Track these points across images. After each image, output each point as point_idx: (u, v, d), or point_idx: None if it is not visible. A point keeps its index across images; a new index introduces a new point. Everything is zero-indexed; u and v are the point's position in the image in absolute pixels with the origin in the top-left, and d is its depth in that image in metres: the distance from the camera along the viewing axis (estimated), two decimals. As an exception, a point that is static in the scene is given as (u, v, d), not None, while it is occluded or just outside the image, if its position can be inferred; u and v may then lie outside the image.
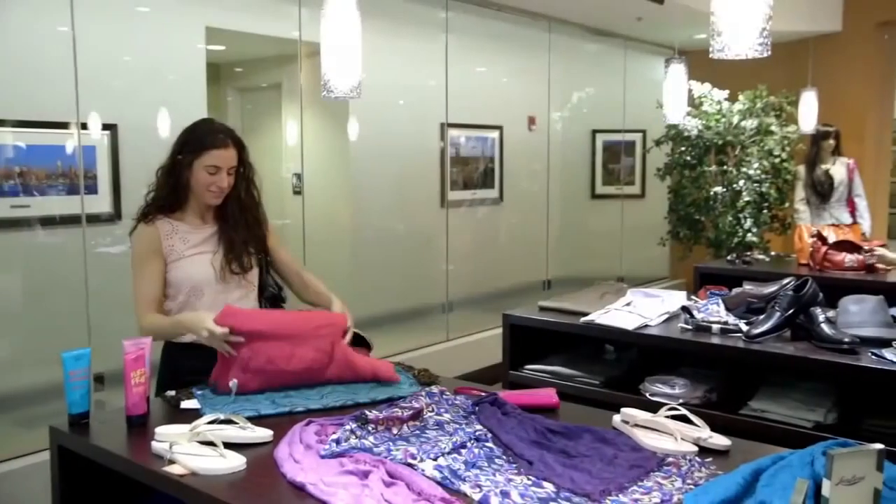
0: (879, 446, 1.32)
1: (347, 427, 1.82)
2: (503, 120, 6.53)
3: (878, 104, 6.89)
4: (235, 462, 1.69)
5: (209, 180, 2.33)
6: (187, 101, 4.37)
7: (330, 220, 5.51)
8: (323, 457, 1.71)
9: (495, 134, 6.45)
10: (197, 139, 2.34)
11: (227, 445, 1.74)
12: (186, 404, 2.10)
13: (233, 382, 2.13)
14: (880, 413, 2.54)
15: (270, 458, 1.73)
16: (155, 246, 2.34)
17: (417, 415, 1.93)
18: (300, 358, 2.19)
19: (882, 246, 4.44)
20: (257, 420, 1.94)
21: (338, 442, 1.76)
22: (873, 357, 2.52)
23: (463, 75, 5.93)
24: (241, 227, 2.44)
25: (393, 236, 5.81)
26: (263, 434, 1.84)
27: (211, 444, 1.73)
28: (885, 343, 2.61)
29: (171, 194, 2.37)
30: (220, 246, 2.40)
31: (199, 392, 2.17)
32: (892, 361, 2.46)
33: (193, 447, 1.74)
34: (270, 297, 2.63)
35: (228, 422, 1.84)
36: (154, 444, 1.78)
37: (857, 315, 2.78)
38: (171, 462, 1.70)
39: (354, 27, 2.34)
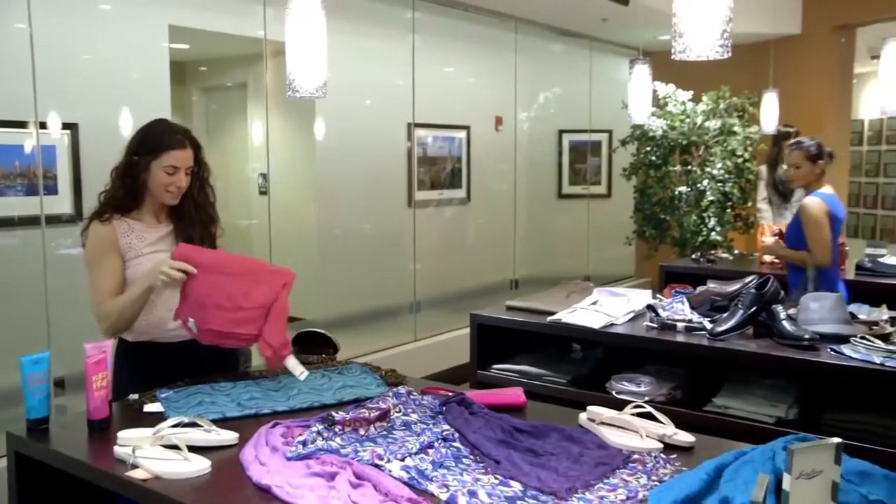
0: (837, 440, 1.34)
1: (314, 428, 1.81)
2: (470, 120, 6.54)
3: (837, 105, 7.02)
4: (200, 465, 1.67)
5: (168, 181, 2.31)
6: (150, 101, 4.32)
7: (296, 220, 5.48)
8: (289, 459, 1.69)
9: (462, 134, 6.46)
10: (154, 140, 2.32)
11: (192, 449, 1.72)
12: (150, 407, 2.07)
13: (191, 321, 2.15)
14: (839, 408, 2.59)
15: (236, 461, 1.71)
16: (112, 243, 2.31)
17: (384, 415, 1.92)
18: (255, 296, 2.20)
19: (841, 244, 4.53)
20: (222, 422, 1.92)
21: (304, 444, 1.75)
22: (832, 353, 2.57)
23: (430, 75, 5.93)
24: (197, 225, 2.43)
25: (360, 236, 5.79)
26: (228, 437, 1.82)
27: (175, 447, 1.71)
28: (844, 339, 2.67)
29: (127, 195, 2.35)
30: (176, 244, 2.38)
31: (162, 395, 2.15)
32: (850, 357, 2.51)
33: (157, 451, 1.71)
34: None
35: (193, 425, 1.82)
36: (116, 448, 1.75)
37: (817, 312, 2.83)
38: (134, 466, 1.67)
39: (319, 27, 2.33)
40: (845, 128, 7.39)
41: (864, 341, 2.63)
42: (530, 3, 5.99)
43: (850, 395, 2.63)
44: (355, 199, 5.72)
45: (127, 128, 4.09)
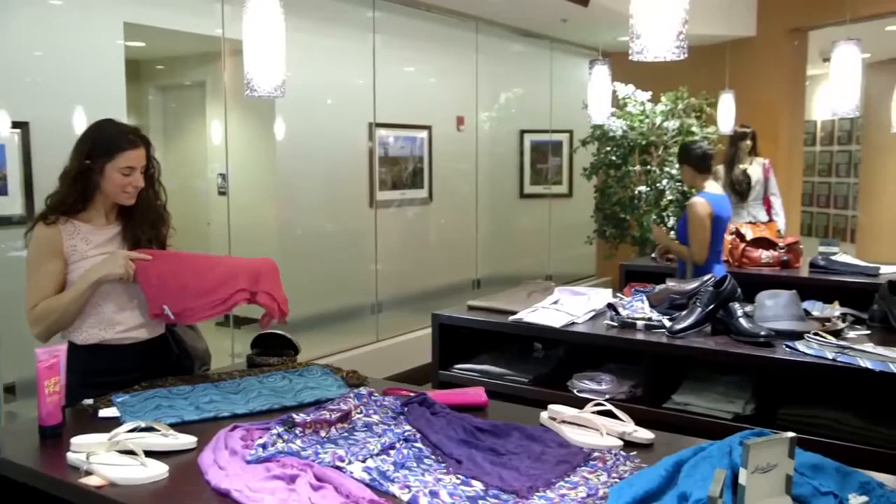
0: (791, 434, 1.37)
1: (274, 431, 1.80)
2: (432, 120, 6.54)
3: (791, 106, 7.16)
4: (157, 471, 1.64)
5: (124, 182, 2.27)
6: (105, 99, 4.24)
7: (256, 220, 5.42)
8: (249, 462, 1.68)
9: (424, 134, 6.46)
10: (107, 142, 2.27)
11: (149, 454, 1.69)
12: (105, 412, 2.03)
13: (165, 308, 2.17)
14: (794, 402, 2.65)
15: (194, 466, 1.69)
16: (55, 247, 2.26)
17: (345, 417, 1.91)
18: (223, 268, 2.30)
19: (795, 242, 4.63)
20: (180, 426, 1.89)
21: (264, 447, 1.73)
22: (787, 350, 2.62)
23: (391, 75, 5.92)
24: (147, 225, 2.39)
25: (321, 237, 5.75)
26: (187, 441, 1.80)
27: (131, 453, 1.68)
28: (798, 336, 2.72)
29: (77, 199, 2.30)
30: (124, 245, 2.34)
31: (118, 399, 2.10)
32: (804, 353, 2.56)
33: (112, 457, 1.68)
34: None
35: (150, 429, 1.79)
36: (70, 455, 1.71)
37: (772, 309, 2.88)
38: (88, 473, 1.64)
39: (277, 25, 2.31)
40: (799, 128, 7.54)
41: (818, 337, 2.69)
42: (491, 4, 6.01)
43: (805, 389, 2.68)
44: (316, 199, 5.68)
45: (80, 127, 3.97)
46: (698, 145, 4.13)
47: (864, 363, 2.43)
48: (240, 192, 5.09)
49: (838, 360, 2.48)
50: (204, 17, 4.73)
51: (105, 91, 4.27)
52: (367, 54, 5.65)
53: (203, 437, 1.81)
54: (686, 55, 1.86)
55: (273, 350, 2.57)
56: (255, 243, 5.32)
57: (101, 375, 2.25)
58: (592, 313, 3.11)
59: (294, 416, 1.85)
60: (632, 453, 1.76)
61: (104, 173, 2.26)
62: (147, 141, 2.36)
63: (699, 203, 3.85)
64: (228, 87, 4.77)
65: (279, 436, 1.78)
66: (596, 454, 1.75)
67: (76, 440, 1.75)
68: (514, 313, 3.11)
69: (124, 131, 2.32)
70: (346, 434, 1.85)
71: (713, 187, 4.00)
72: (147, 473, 1.63)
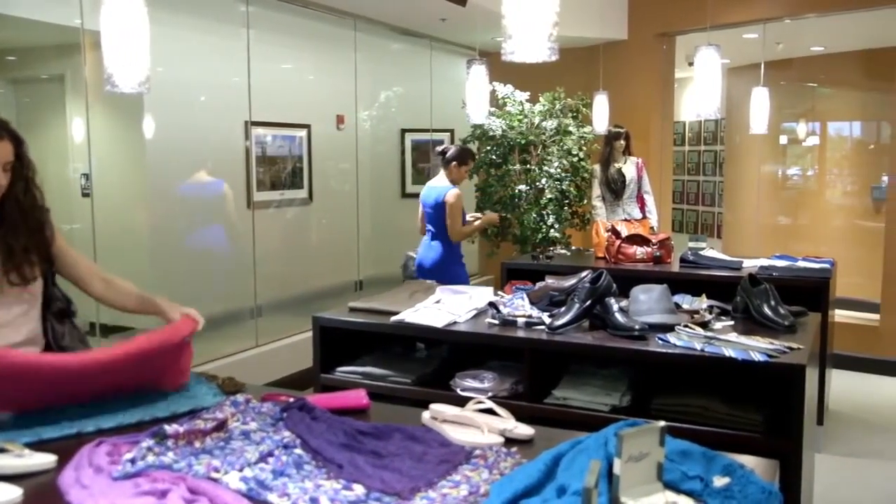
0: (662, 424, 1.42)
1: (144, 444, 1.70)
2: (311, 118, 6.43)
3: (661, 108, 7.48)
4: (9, 496, 1.51)
5: None
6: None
7: (124, 223, 5.16)
8: (115, 479, 1.58)
9: (303, 133, 6.34)
10: None
11: (1, 478, 1.56)
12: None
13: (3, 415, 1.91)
14: (667, 391, 2.75)
15: (53, 487, 1.57)
16: None
17: (221, 426, 1.83)
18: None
19: (667, 238, 4.83)
20: (37, 445, 1.75)
21: (133, 461, 1.63)
22: (660, 342, 2.72)
23: (267, 72, 5.78)
24: (22, 232, 2.18)
25: (195, 239, 5.54)
26: (44, 460, 1.67)
27: (-21, 477, 1.54)
28: (669, 328, 2.83)
29: None
30: None
31: (-34, 419, 1.94)
32: (674, 345, 2.67)
33: (-42, 482, 1.54)
34: (58, 312, 2.38)
35: (1, 451, 1.65)
36: None
37: (646, 303, 2.99)
38: (-70, 502, 1.50)
39: (140, 17, 2.19)
40: (668, 129, 7.88)
41: (687, 329, 2.81)
42: (369, 2, 5.97)
43: (677, 379, 2.80)
44: (190, 200, 5.47)
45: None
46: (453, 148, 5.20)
47: (729, 352, 2.55)
48: (105, 194, 4.82)
49: (706, 350, 2.60)
50: (61, 6, 4.45)
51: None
52: (241, 50, 5.49)
53: (64, 456, 1.69)
54: (557, 57, 1.89)
55: (143, 359, 2.43)
56: (123, 248, 5.06)
57: None
58: (474, 312, 3.13)
59: (166, 427, 1.76)
60: (512, 449, 1.78)
61: None
62: (15, 135, 2.12)
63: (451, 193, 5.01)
64: (90, 81, 4.50)
65: (149, 449, 1.68)
66: (477, 452, 1.75)
67: (-84, 466, 1.60)
68: (395, 314, 3.09)
69: None
70: (221, 444, 1.77)
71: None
72: (-2, 498, 1.50)
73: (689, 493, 1.43)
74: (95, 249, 4.45)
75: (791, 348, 2.60)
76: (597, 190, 6.32)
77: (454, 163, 5.12)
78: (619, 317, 2.84)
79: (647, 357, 2.71)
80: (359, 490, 1.55)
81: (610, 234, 4.82)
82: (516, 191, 6.54)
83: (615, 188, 6.22)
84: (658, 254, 4.69)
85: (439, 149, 5.38)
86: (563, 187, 6.51)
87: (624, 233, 4.79)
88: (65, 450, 1.73)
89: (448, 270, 5.12)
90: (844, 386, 5.61)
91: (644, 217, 6.11)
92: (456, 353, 3.19)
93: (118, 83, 2.20)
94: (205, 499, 1.48)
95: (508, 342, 2.91)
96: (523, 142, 6.53)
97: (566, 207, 6.63)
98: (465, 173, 5.29)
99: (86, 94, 4.55)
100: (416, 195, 8.23)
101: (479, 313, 3.15)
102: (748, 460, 1.64)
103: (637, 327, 2.78)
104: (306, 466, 1.67)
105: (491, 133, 6.54)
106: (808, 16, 6.51)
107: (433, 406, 1.98)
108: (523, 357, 2.87)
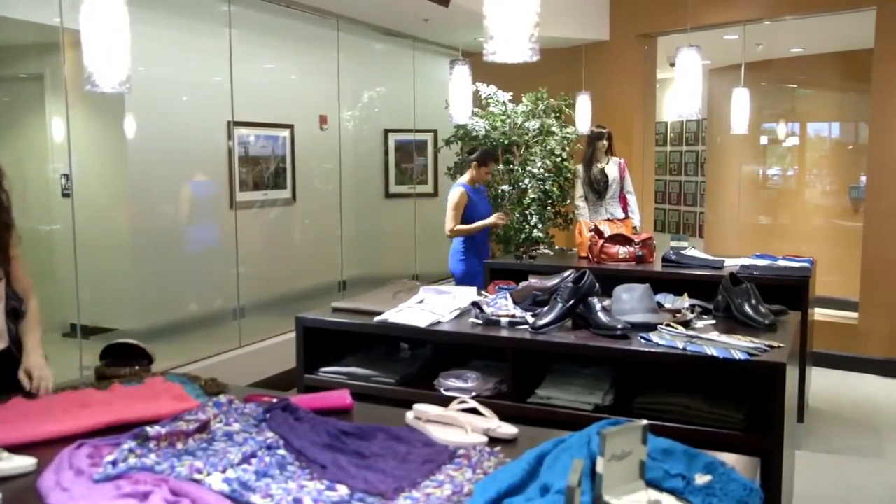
0: (644, 422, 1.43)
1: (125, 446, 1.69)
2: (294, 118, 6.41)
3: (642, 108, 7.52)
4: (-11, 498, 1.50)
5: None
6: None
7: (105, 224, 5.12)
8: (96, 481, 1.57)
9: (286, 133, 6.32)
10: None
11: (-21, 480, 1.55)
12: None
13: None
14: (650, 390, 2.77)
15: (33, 491, 1.56)
16: None
17: (204, 427, 1.82)
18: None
19: (649, 238, 4.86)
20: (17, 448, 1.74)
21: (114, 463, 1.62)
22: (642, 341, 2.74)
23: (250, 72, 5.75)
24: None
25: (178, 240, 5.51)
26: (24, 463, 1.66)
27: (-42, 479, 1.53)
28: (652, 327, 2.85)
29: None
30: None
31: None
32: (657, 344, 2.69)
33: (-64, 485, 1.52)
34: (12, 311, 2.37)
35: (-19, 453, 1.64)
36: None
37: (628, 303, 3.00)
38: None
39: (120, 15, 2.17)
40: (650, 129, 7.92)
41: (669, 328, 2.82)
42: (352, 2, 5.95)
43: (659, 377, 2.81)
44: (172, 200, 5.43)
45: None
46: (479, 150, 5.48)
47: (711, 351, 2.57)
48: (86, 194, 4.79)
49: (688, 349, 2.62)
50: (41, 4, 4.40)
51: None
52: (223, 50, 5.46)
53: (44, 458, 1.68)
54: (538, 57, 1.89)
55: (125, 360, 2.42)
56: (105, 248, 5.03)
57: None
58: (458, 312, 3.13)
59: (148, 428, 1.75)
60: (496, 449, 1.78)
61: None
62: None
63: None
64: (70, 80, 4.46)
65: (131, 451, 1.68)
66: (461, 451, 1.76)
67: None
68: (379, 314, 3.09)
69: None
70: (204, 445, 1.77)
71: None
72: (-23, 501, 1.49)
73: (671, 491, 1.45)
74: (76, 250, 4.41)
75: (771, 346, 2.63)
76: (580, 190, 6.34)
77: (474, 163, 5.43)
78: (601, 316, 2.85)
79: (630, 356, 2.72)
80: (342, 490, 1.54)
81: (593, 233, 4.83)
82: (499, 191, 6.55)
83: (598, 188, 6.24)
84: (640, 253, 4.71)
85: (468, 149, 5.76)
86: (546, 187, 6.53)
87: (607, 232, 4.81)
88: (44, 452, 1.72)
89: (454, 265, 5.54)
90: (824, 383, 5.67)
91: (627, 217, 6.14)
92: (439, 353, 3.19)
93: (98, 83, 2.18)
94: (187, 500, 1.47)
95: (492, 342, 2.91)
96: (506, 142, 6.54)
97: (549, 207, 6.65)
98: (486, 174, 5.54)
99: (66, 94, 4.51)
100: (400, 195, 8.32)
101: (463, 313, 3.15)
102: (729, 458, 1.66)
103: (620, 326, 2.79)
104: (290, 467, 1.67)
105: (474, 133, 6.55)
106: (787, 17, 6.57)
107: (417, 406, 1.98)
108: (506, 357, 2.88)
